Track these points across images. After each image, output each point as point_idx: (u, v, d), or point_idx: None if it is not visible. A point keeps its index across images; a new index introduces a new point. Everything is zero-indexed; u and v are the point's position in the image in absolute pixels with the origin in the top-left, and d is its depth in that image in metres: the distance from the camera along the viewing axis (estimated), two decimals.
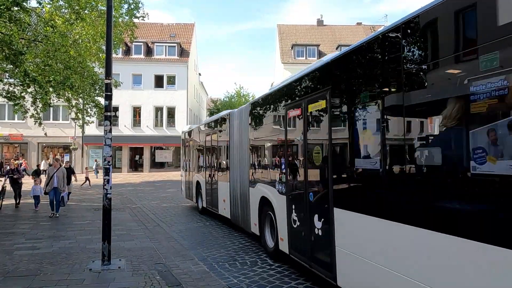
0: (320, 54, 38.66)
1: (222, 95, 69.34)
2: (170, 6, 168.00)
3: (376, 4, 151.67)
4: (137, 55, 36.47)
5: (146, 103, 35.88)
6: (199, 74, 50.05)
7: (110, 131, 6.19)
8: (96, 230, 8.26)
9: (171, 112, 36.48)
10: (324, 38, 41.28)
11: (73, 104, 16.37)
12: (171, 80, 36.67)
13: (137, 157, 37.16)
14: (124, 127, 35.22)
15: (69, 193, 13.41)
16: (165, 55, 36.80)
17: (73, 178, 13.91)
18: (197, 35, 48.99)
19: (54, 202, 10.70)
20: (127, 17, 17.00)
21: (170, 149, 37.78)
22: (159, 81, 36.49)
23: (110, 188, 6.18)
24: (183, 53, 37.63)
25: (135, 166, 36.89)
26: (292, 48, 38.81)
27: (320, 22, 43.97)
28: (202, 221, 10.34)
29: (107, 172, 6.17)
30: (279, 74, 39.57)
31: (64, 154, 34.92)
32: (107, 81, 6.24)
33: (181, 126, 36.06)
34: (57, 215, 10.61)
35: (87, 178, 21.50)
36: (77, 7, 12.49)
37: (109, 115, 6.20)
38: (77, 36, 14.56)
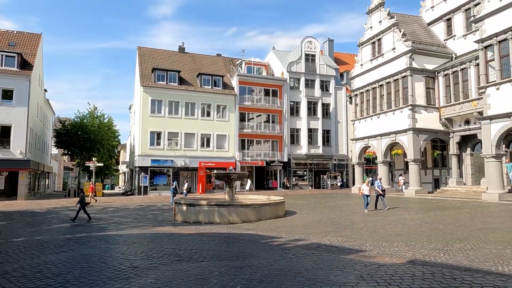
0: (181, 80, 39.03)
1: (73, 115, 63.25)
2: (15, 12, 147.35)
3: (236, 39, 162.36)
4: None
5: None
6: (45, 91, 44.69)
7: None
8: None
9: (6, 131, 31.22)
10: (185, 65, 41.92)
11: None
12: (8, 95, 31.66)
13: None
14: None
15: None
16: (2, 65, 31.78)
17: None
18: (45, 48, 43.92)
19: None
20: None
21: (2, 175, 32.15)
22: None
23: None
24: (26, 65, 33.11)
25: None
26: (152, 72, 38.16)
27: (181, 49, 44.60)
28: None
29: None
30: (138, 97, 38.29)
31: None
32: None
33: (19, 148, 31.19)
34: None
35: None
36: None
37: None
38: None
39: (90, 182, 33.55)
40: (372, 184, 21.61)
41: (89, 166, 37.27)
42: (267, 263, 7.81)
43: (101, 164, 41.51)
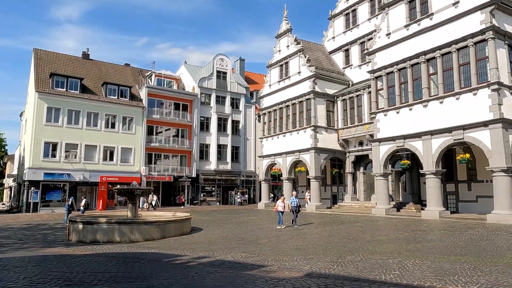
0: (84, 89, 36.45)
1: None
2: None
3: (147, 50, 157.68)
4: None
5: None
6: None
7: None
8: None
9: None
10: (89, 72, 39.29)
11: None
12: None
13: None
14: None
15: None
16: None
17: None
18: None
19: None
20: None
21: None
22: None
23: None
24: None
25: None
26: (50, 77, 34.97)
27: (86, 55, 41.76)
28: None
29: None
30: (32, 103, 34.65)
31: None
32: None
33: None
34: None
35: None
36: None
37: None
38: None
39: None
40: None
41: None
42: (168, 283, 7.55)
43: None
